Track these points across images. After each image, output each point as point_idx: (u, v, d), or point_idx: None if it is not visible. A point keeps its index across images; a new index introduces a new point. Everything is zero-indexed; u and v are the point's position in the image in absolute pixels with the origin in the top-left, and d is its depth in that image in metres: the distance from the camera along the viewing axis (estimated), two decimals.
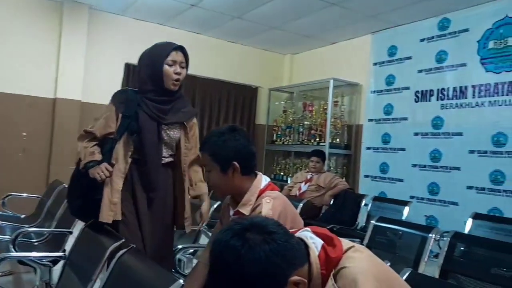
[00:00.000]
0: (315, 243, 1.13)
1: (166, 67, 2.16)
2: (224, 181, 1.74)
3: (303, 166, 6.30)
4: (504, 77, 4.39)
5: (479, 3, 4.61)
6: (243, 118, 6.88)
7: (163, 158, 2.26)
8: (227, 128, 1.79)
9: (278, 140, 6.95)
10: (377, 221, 3.07)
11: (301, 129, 6.59)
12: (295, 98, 6.99)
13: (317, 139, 6.17)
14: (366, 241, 2.99)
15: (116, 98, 2.22)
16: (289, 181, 5.89)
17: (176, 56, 2.18)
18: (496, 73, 4.46)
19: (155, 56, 2.20)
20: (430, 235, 2.66)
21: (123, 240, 1.79)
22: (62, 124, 5.37)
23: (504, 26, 4.42)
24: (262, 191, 1.75)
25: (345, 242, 1.16)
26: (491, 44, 4.52)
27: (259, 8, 5.24)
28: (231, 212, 1.83)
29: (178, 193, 2.32)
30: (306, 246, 1.11)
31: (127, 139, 2.15)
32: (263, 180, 1.79)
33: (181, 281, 1.30)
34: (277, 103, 7.25)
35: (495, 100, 4.45)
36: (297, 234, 1.16)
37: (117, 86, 5.61)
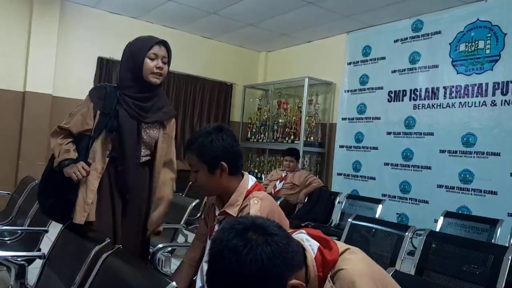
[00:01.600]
0: (311, 246, 1.14)
1: (147, 60, 2.07)
2: (211, 182, 1.72)
3: (278, 164, 6.34)
4: (474, 79, 4.52)
5: (451, 6, 4.73)
6: (218, 115, 6.85)
7: (141, 158, 2.18)
8: (214, 127, 1.76)
9: (253, 137, 6.96)
10: (353, 219, 3.10)
11: (275, 127, 6.62)
12: (270, 95, 7.00)
13: (292, 137, 6.22)
14: (343, 239, 3.02)
15: (95, 93, 2.11)
16: (263, 179, 5.90)
17: (158, 50, 2.10)
18: (467, 75, 4.59)
19: (137, 49, 2.12)
20: (407, 233, 2.72)
21: (108, 240, 1.74)
22: (32, 118, 5.19)
23: (475, 30, 4.55)
24: (249, 192, 1.74)
25: (341, 244, 1.17)
26: (462, 47, 4.65)
27: (235, 5, 5.22)
28: (217, 212, 1.81)
29: (152, 192, 2.25)
30: (303, 249, 1.12)
31: (105, 137, 2.06)
32: (250, 180, 1.79)
33: (174, 283, 1.26)
34: (251, 100, 7.26)
35: (465, 102, 4.59)
36: (293, 236, 1.16)
37: (90, 80, 5.48)
